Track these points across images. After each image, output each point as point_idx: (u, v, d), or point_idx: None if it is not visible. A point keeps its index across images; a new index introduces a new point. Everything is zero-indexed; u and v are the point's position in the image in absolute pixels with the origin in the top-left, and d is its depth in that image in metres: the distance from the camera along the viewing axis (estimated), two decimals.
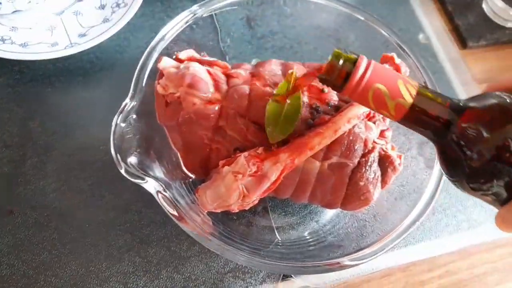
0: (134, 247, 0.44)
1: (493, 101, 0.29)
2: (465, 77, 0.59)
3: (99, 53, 0.54)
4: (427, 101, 0.30)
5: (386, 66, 0.42)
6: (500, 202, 0.28)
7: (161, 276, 0.43)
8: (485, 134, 0.27)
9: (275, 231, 0.45)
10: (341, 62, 0.31)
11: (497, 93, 0.29)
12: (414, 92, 0.30)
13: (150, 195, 0.36)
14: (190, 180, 0.42)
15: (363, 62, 0.30)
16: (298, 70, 0.41)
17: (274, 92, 0.39)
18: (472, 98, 0.30)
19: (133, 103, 0.37)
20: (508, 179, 0.27)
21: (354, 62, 0.30)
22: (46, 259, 0.43)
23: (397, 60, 0.42)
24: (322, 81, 0.32)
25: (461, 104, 0.30)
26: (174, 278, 0.43)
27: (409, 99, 0.30)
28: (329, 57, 0.31)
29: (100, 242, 0.44)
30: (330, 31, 0.52)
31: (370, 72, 0.30)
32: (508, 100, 0.28)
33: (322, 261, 0.36)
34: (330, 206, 0.42)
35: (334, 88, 0.32)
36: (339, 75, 0.31)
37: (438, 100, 0.30)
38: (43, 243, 0.44)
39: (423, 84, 0.31)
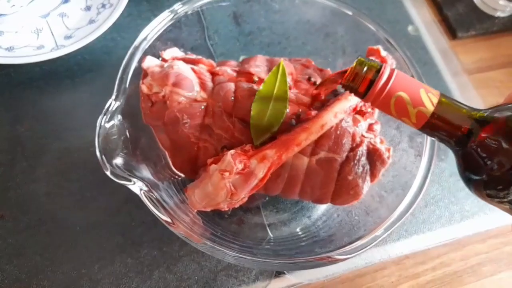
0: (126, 248, 0.44)
1: None
2: (455, 68, 0.59)
3: (86, 55, 0.54)
4: (448, 110, 0.31)
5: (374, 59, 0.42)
6: None
7: (154, 277, 0.43)
8: (505, 145, 0.28)
9: (267, 228, 0.45)
10: (365, 69, 0.32)
11: None
12: (435, 101, 0.31)
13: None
14: (179, 179, 0.42)
15: (386, 70, 0.31)
16: (284, 65, 0.41)
17: (261, 87, 0.39)
18: (493, 109, 0.31)
19: (118, 103, 0.36)
20: None
21: (378, 70, 0.32)
22: (38, 263, 0.43)
23: (383, 53, 0.42)
24: (345, 87, 0.34)
25: (482, 114, 0.30)
26: (167, 278, 0.43)
27: (430, 108, 0.30)
28: (353, 64, 0.33)
29: (92, 244, 0.44)
30: (318, 26, 0.51)
31: (393, 80, 0.31)
32: None
33: (312, 257, 0.35)
34: (320, 201, 0.42)
35: (356, 95, 0.33)
36: (362, 82, 0.32)
37: (458, 109, 0.31)
38: (35, 247, 0.44)
39: (444, 94, 0.32)
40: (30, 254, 0.43)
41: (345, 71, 0.34)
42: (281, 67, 0.38)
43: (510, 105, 0.30)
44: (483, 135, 0.29)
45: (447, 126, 0.31)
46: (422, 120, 0.31)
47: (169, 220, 0.34)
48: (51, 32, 0.53)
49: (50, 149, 0.48)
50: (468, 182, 0.32)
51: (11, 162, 0.47)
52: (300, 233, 0.45)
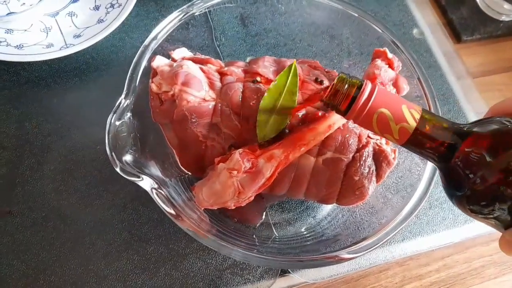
0: (132, 245, 0.44)
1: (495, 126, 0.29)
2: (460, 71, 0.60)
3: (95, 54, 0.54)
4: (430, 126, 0.31)
5: (380, 62, 0.42)
6: (503, 225, 0.29)
7: (160, 274, 0.43)
8: (488, 159, 0.28)
9: (272, 227, 0.45)
10: (346, 86, 0.32)
11: (500, 118, 0.30)
12: (417, 117, 0.31)
13: (147, 193, 0.36)
14: (187, 177, 0.43)
15: (368, 87, 0.31)
16: None
17: (271, 86, 0.39)
18: (475, 123, 0.31)
19: (127, 101, 0.37)
20: (511, 203, 0.27)
21: (359, 87, 0.31)
22: (45, 258, 0.43)
23: (389, 55, 0.43)
24: (327, 105, 0.33)
25: (464, 129, 0.31)
26: (173, 276, 0.43)
27: (413, 123, 0.30)
28: (334, 82, 0.32)
29: (98, 241, 0.44)
30: (324, 28, 0.52)
31: (374, 96, 0.31)
32: (510, 126, 0.29)
33: (319, 255, 0.36)
34: (325, 201, 0.42)
35: (338, 112, 0.33)
36: (344, 99, 0.32)
37: (441, 125, 0.31)
38: (42, 242, 0.44)
39: (427, 109, 0.32)
40: (37, 250, 0.44)
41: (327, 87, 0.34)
42: (293, 67, 0.38)
43: (491, 118, 0.30)
44: (465, 149, 0.29)
45: (430, 142, 0.31)
46: (405, 136, 0.31)
47: (176, 215, 0.35)
48: (60, 31, 0.53)
49: (57, 147, 0.49)
50: (452, 197, 0.32)
51: (19, 159, 0.48)
52: (305, 232, 0.45)
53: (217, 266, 0.44)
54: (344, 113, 0.32)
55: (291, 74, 0.39)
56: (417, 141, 0.31)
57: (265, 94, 0.38)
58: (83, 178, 0.47)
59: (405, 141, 0.31)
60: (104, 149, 0.48)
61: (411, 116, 0.31)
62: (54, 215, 0.45)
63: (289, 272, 0.45)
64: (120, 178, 0.46)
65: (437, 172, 0.41)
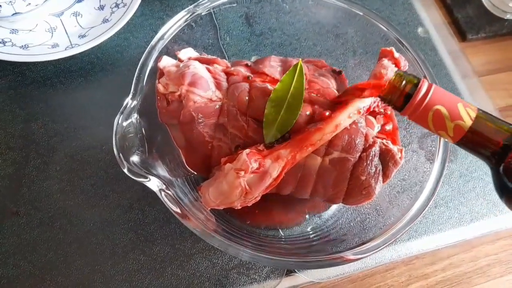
0: (139, 245, 0.44)
1: None
2: (465, 70, 0.59)
3: (100, 54, 0.54)
4: (486, 124, 0.31)
5: (387, 61, 0.42)
6: None
7: (166, 274, 0.43)
8: None
9: (278, 227, 0.45)
10: (403, 83, 0.33)
11: None
12: (473, 115, 0.31)
13: (153, 193, 0.36)
14: (193, 177, 0.43)
15: (425, 84, 0.32)
16: None
17: (277, 86, 0.39)
18: None
19: (134, 102, 0.37)
20: None
21: (416, 84, 0.32)
22: (52, 258, 0.43)
23: (396, 54, 0.42)
24: (383, 100, 0.34)
25: None
26: (179, 275, 0.43)
27: (469, 122, 0.31)
28: (392, 78, 0.33)
29: (105, 241, 0.44)
30: (329, 27, 0.52)
31: (431, 94, 0.32)
32: None
33: (326, 256, 0.36)
34: (332, 201, 0.42)
35: (394, 108, 0.34)
36: (400, 95, 0.33)
37: (496, 124, 0.31)
38: (49, 243, 0.44)
39: (482, 109, 0.32)
40: (44, 250, 0.44)
41: (368, 84, 0.35)
42: (299, 67, 0.38)
43: None
44: None
45: (484, 140, 0.31)
46: (459, 134, 0.31)
47: (183, 215, 0.35)
48: (65, 31, 0.53)
49: (63, 147, 0.49)
50: (503, 196, 0.32)
51: (25, 159, 0.48)
52: (311, 232, 0.45)
53: (223, 266, 0.44)
54: (400, 109, 0.33)
55: (297, 73, 0.39)
56: (471, 140, 0.31)
57: (272, 94, 0.38)
58: (89, 178, 0.47)
59: (459, 139, 0.32)
60: (110, 149, 0.49)
61: (467, 114, 0.31)
62: (60, 215, 0.45)
63: (295, 272, 0.45)
64: (126, 178, 0.46)
65: (444, 171, 0.41)
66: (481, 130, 0.31)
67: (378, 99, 0.39)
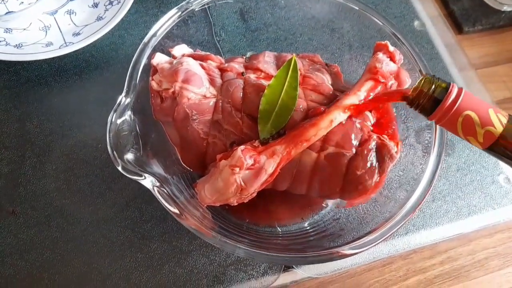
0: (136, 243, 0.44)
1: None
2: (462, 62, 0.59)
3: (94, 52, 0.54)
4: None
5: (382, 55, 0.42)
6: None
7: (164, 271, 0.43)
8: None
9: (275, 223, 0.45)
10: (432, 87, 0.32)
11: None
12: (504, 121, 0.31)
13: (149, 191, 0.36)
14: (188, 174, 0.43)
15: (454, 89, 0.32)
16: None
17: (271, 82, 0.39)
18: None
19: (128, 99, 0.37)
20: None
21: (446, 88, 0.32)
22: (49, 258, 0.43)
23: (391, 48, 0.42)
24: (411, 103, 0.34)
25: None
26: (177, 272, 0.43)
27: (500, 128, 0.31)
28: (420, 82, 0.33)
29: (102, 239, 0.44)
30: (325, 22, 0.51)
31: (461, 99, 0.31)
32: None
33: (322, 251, 0.36)
34: (328, 196, 0.42)
35: (422, 112, 0.34)
36: (429, 100, 0.33)
37: None
38: (46, 242, 0.44)
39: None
40: (41, 249, 0.44)
41: (399, 91, 0.35)
42: (293, 62, 0.38)
43: None
44: None
45: None
46: (490, 141, 0.31)
47: (178, 213, 0.35)
48: (59, 29, 0.53)
49: (58, 146, 0.49)
50: None
51: (21, 158, 0.48)
52: (308, 227, 0.45)
53: (220, 263, 0.44)
54: (428, 114, 0.33)
55: (291, 69, 0.39)
56: (502, 146, 0.31)
57: (266, 90, 0.38)
58: (86, 177, 0.47)
59: (490, 145, 0.31)
60: (105, 147, 0.48)
61: (498, 120, 0.31)
62: (57, 214, 0.45)
63: (293, 267, 0.45)
64: (122, 176, 0.46)
65: (440, 164, 0.41)
66: None
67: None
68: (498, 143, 0.31)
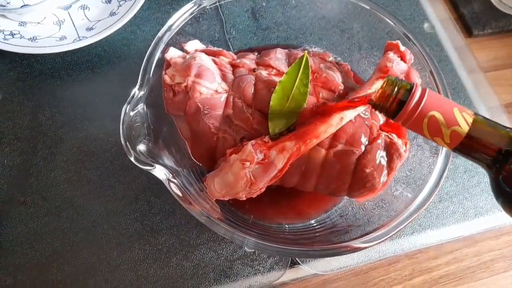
0: (144, 235, 0.45)
1: None
2: (471, 65, 0.59)
3: (107, 46, 0.55)
4: (483, 130, 0.30)
5: (392, 55, 0.42)
6: None
7: (171, 264, 0.44)
8: None
9: None
10: (395, 89, 0.31)
11: None
12: (470, 120, 0.30)
13: (159, 184, 0.36)
14: (198, 168, 0.43)
15: (418, 90, 0.31)
16: None
17: (282, 78, 0.39)
18: None
19: (141, 92, 0.37)
20: None
21: (409, 90, 0.31)
22: (58, 248, 0.44)
23: (402, 48, 0.43)
24: (375, 107, 0.33)
25: None
26: (184, 266, 0.44)
27: (465, 127, 0.30)
28: (383, 84, 0.32)
29: (111, 231, 0.45)
30: (335, 22, 0.52)
31: (425, 99, 0.31)
32: None
33: (331, 245, 0.36)
34: (336, 194, 0.42)
35: (387, 115, 0.33)
36: (393, 102, 0.32)
37: (494, 129, 0.30)
38: (55, 232, 0.45)
39: (479, 114, 0.31)
40: (51, 239, 0.44)
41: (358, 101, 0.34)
42: (304, 59, 0.39)
43: None
44: None
45: (482, 146, 0.30)
46: (456, 140, 0.30)
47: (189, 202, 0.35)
48: (73, 24, 0.54)
49: (70, 138, 0.49)
50: (501, 200, 0.32)
51: (33, 149, 0.48)
52: (315, 224, 0.45)
53: (227, 257, 0.45)
54: (393, 116, 0.32)
55: (302, 66, 0.39)
56: (469, 146, 0.30)
57: (277, 86, 0.39)
58: (96, 169, 0.48)
59: (457, 145, 0.31)
60: (116, 140, 0.49)
61: (464, 119, 0.30)
62: (67, 205, 0.46)
63: (299, 264, 0.45)
64: (132, 169, 0.47)
65: (448, 165, 0.41)
66: (478, 136, 0.30)
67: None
68: (465, 143, 0.30)
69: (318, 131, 0.37)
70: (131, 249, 0.44)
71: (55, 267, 0.43)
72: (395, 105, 0.32)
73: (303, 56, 0.39)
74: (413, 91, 0.31)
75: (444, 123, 0.30)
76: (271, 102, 0.38)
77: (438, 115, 0.30)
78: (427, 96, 0.31)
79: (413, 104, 0.31)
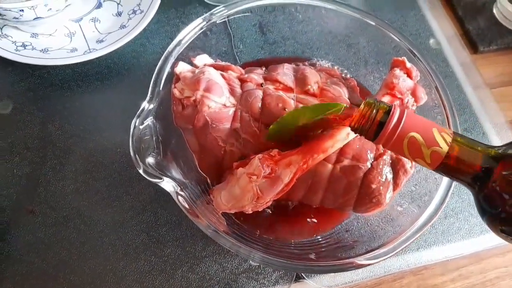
0: (150, 247, 0.45)
1: None
2: (476, 81, 0.60)
3: (116, 59, 0.56)
4: (464, 149, 0.30)
5: (399, 71, 0.42)
6: None
7: (176, 276, 0.44)
8: None
9: None
10: (373, 112, 0.32)
11: None
12: (449, 140, 0.30)
13: (166, 196, 0.37)
14: (204, 181, 0.43)
15: (396, 112, 0.31)
16: (310, 74, 0.42)
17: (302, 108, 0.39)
18: (509, 145, 0.31)
19: (151, 105, 0.38)
20: None
21: (388, 111, 0.31)
22: (65, 257, 0.44)
23: (408, 64, 0.43)
24: (354, 130, 0.33)
25: (499, 151, 0.30)
26: (189, 278, 0.44)
27: (445, 147, 0.30)
28: (361, 106, 0.32)
29: (117, 241, 0.45)
30: (341, 37, 0.53)
31: (404, 120, 0.31)
32: None
33: (336, 261, 0.36)
34: (341, 209, 0.42)
35: (366, 137, 0.33)
36: (372, 124, 0.32)
37: (474, 147, 0.30)
38: (62, 242, 0.45)
39: (459, 132, 0.32)
40: (58, 249, 0.45)
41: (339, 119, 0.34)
42: (336, 110, 0.36)
43: None
44: (502, 172, 0.29)
45: (463, 165, 0.30)
46: (437, 161, 0.30)
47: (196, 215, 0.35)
48: (84, 36, 0.55)
49: (78, 148, 0.50)
50: (485, 218, 0.32)
51: (42, 159, 0.49)
52: (320, 239, 0.45)
53: (232, 270, 0.45)
54: (373, 139, 0.32)
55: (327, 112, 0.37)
56: (450, 166, 0.30)
57: (293, 110, 0.38)
58: (104, 180, 0.48)
59: (438, 165, 0.31)
60: (124, 152, 0.50)
61: (443, 139, 0.30)
62: (75, 215, 0.46)
63: (304, 278, 0.45)
64: (139, 180, 0.47)
65: (454, 182, 0.41)
66: (458, 155, 0.30)
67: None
68: (446, 163, 0.30)
69: (325, 146, 0.38)
70: (137, 260, 0.44)
71: (62, 277, 0.43)
72: (375, 127, 0.31)
73: (338, 106, 0.36)
74: (391, 112, 0.31)
75: (423, 144, 0.30)
76: (280, 119, 0.38)
77: (417, 136, 0.30)
78: (406, 117, 0.31)
79: (392, 125, 0.31)
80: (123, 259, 0.44)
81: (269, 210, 0.43)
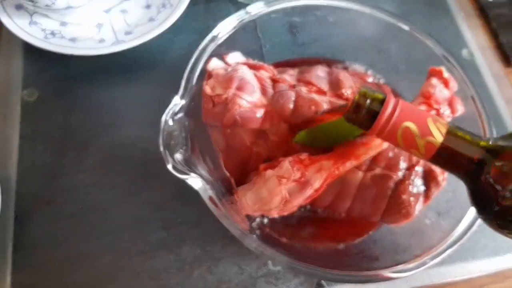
0: (168, 244, 0.44)
1: None
2: (509, 95, 0.58)
3: (142, 52, 0.55)
4: (458, 140, 0.30)
5: (436, 81, 0.41)
6: None
7: (194, 276, 0.43)
8: None
9: None
10: (368, 101, 0.31)
11: None
12: (444, 131, 0.30)
13: (186, 193, 0.36)
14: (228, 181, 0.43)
15: (391, 101, 0.31)
16: (344, 78, 0.41)
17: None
18: (503, 137, 0.30)
19: (183, 101, 0.37)
20: None
21: (382, 101, 0.31)
22: (82, 249, 0.44)
23: (446, 74, 0.42)
24: (348, 120, 0.33)
25: (492, 143, 0.30)
26: (207, 279, 0.43)
27: (440, 138, 0.30)
28: (355, 96, 0.32)
29: (135, 237, 0.44)
30: (373, 41, 0.51)
31: (398, 110, 0.30)
32: None
33: (362, 272, 0.35)
34: (369, 218, 0.41)
35: (361, 127, 0.32)
36: (366, 114, 0.31)
37: (468, 139, 0.30)
38: (79, 234, 0.44)
39: (453, 124, 0.31)
40: (75, 241, 0.44)
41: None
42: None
43: None
44: (495, 164, 0.29)
45: (457, 156, 0.30)
46: (431, 151, 0.30)
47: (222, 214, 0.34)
48: (112, 27, 0.54)
49: (99, 141, 0.49)
50: (480, 212, 0.32)
51: (62, 151, 0.48)
52: (344, 247, 0.44)
53: (251, 274, 0.44)
54: (367, 128, 0.32)
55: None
56: (444, 156, 0.30)
57: (333, 121, 0.37)
58: (123, 174, 0.48)
59: (432, 156, 0.30)
60: (144, 146, 0.49)
61: (437, 130, 0.30)
62: (93, 208, 0.46)
63: (324, 286, 0.44)
64: (160, 176, 0.46)
65: None
66: (453, 146, 0.30)
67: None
68: (440, 153, 0.30)
69: (358, 153, 0.37)
70: (153, 257, 0.44)
71: (76, 270, 0.43)
72: (369, 117, 0.31)
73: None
74: (385, 101, 0.31)
75: (418, 134, 0.30)
76: (320, 126, 0.37)
77: (412, 125, 0.30)
78: (400, 106, 0.30)
79: (386, 115, 0.30)
80: (139, 255, 0.44)
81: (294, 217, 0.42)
